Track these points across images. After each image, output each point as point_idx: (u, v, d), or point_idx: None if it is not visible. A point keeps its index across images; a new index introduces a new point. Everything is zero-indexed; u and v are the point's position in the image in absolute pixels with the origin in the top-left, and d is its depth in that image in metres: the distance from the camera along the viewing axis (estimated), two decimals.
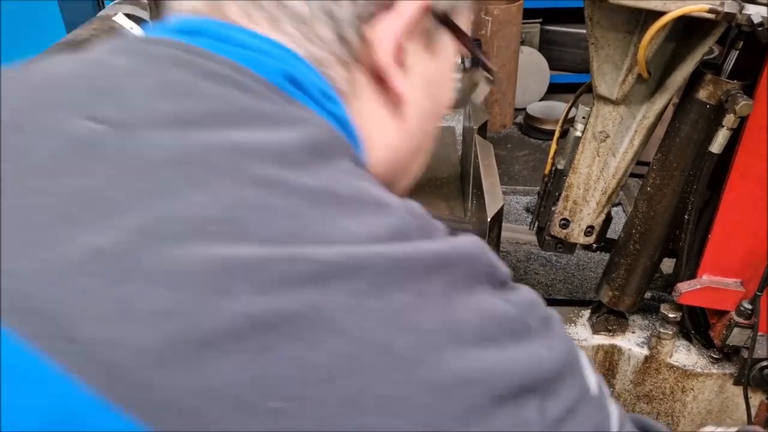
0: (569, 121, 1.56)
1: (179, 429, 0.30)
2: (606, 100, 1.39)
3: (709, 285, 1.47)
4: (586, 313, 1.74)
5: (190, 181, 0.35)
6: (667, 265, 1.68)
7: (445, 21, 0.51)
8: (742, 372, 1.53)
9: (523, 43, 3.54)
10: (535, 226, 1.67)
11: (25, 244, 0.32)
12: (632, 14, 1.26)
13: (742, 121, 1.29)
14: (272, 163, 0.38)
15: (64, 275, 0.31)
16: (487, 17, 3.12)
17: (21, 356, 0.30)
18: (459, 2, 0.53)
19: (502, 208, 1.44)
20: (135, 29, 2.11)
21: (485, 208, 1.44)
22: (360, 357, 0.33)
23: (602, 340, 1.68)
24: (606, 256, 1.66)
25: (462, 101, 0.59)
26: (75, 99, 0.40)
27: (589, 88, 1.42)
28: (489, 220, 1.41)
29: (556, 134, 1.57)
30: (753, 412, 1.55)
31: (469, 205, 1.67)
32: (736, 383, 1.58)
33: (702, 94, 1.32)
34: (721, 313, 1.52)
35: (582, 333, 1.70)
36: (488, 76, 0.62)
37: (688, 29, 1.27)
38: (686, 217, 1.43)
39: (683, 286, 1.47)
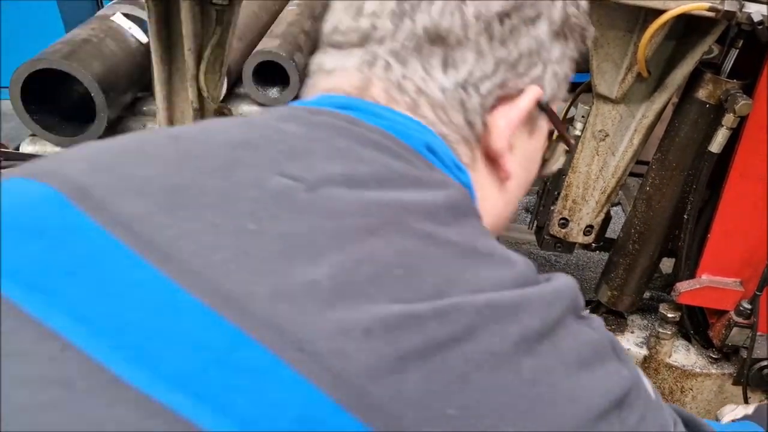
0: (569, 120, 1.56)
1: (390, 430, 0.37)
2: (605, 98, 1.39)
3: (708, 285, 1.47)
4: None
5: (368, 230, 0.44)
6: (667, 264, 1.67)
7: (546, 108, 0.61)
8: (741, 372, 1.53)
9: None
10: (534, 225, 1.67)
11: (258, 273, 0.40)
12: (632, 12, 1.26)
13: (742, 120, 1.29)
14: (425, 219, 0.46)
15: (293, 299, 0.39)
16: None
17: (267, 362, 0.37)
18: (558, 93, 0.63)
19: None
20: (133, 29, 2.11)
21: None
22: (500, 374, 0.40)
23: None
24: (605, 256, 1.66)
25: (544, 171, 0.70)
26: (267, 159, 0.48)
27: (589, 87, 1.42)
28: None
29: None
30: None
31: None
32: (735, 383, 1.57)
33: (701, 94, 1.32)
34: (721, 313, 1.52)
35: None
36: (567, 148, 0.72)
37: (688, 28, 1.27)
38: (685, 216, 1.43)
39: (682, 286, 1.47)
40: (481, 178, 0.59)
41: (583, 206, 1.52)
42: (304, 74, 2.26)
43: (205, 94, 1.44)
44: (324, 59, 0.60)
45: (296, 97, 2.19)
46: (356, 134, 0.51)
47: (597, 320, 0.50)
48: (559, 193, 1.55)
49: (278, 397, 0.36)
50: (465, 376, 0.39)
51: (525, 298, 0.44)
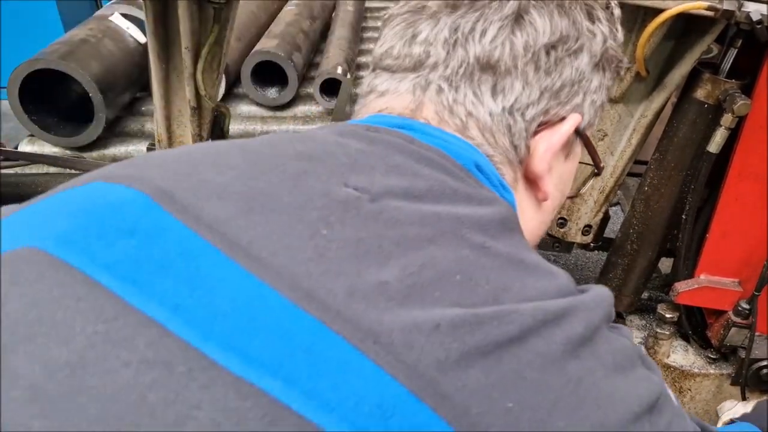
0: None
1: (459, 420, 0.39)
2: None
3: (706, 285, 1.47)
4: None
5: (427, 239, 0.47)
6: (665, 264, 1.67)
7: (582, 135, 0.65)
8: (740, 372, 1.53)
9: None
10: None
11: (334, 273, 0.43)
12: (630, 12, 1.25)
13: (740, 120, 1.29)
14: (478, 231, 0.49)
15: (366, 297, 0.42)
16: None
17: (347, 354, 0.40)
18: (593, 120, 0.67)
19: None
20: (131, 29, 2.11)
21: None
22: (550, 374, 0.43)
23: None
24: (603, 256, 1.66)
25: (575, 193, 0.73)
26: (331, 171, 0.51)
27: None
28: None
29: None
30: None
31: None
32: (734, 383, 1.57)
33: (700, 94, 1.32)
34: (719, 313, 1.52)
35: None
36: (596, 171, 0.77)
37: (687, 27, 1.27)
38: (684, 216, 1.43)
39: (681, 286, 1.47)
40: (521, 197, 0.63)
41: (582, 206, 1.52)
42: (302, 74, 2.26)
43: (202, 93, 1.44)
44: (376, 81, 0.64)
45: (295, 98, 2.20)
46: (412, 151, 0.54)
47: (625, 329, 0.53)
48: None
49: (358, 384, 0.39)
50: (520, 374, 0.42)
51: (570, 306, 0.47)
